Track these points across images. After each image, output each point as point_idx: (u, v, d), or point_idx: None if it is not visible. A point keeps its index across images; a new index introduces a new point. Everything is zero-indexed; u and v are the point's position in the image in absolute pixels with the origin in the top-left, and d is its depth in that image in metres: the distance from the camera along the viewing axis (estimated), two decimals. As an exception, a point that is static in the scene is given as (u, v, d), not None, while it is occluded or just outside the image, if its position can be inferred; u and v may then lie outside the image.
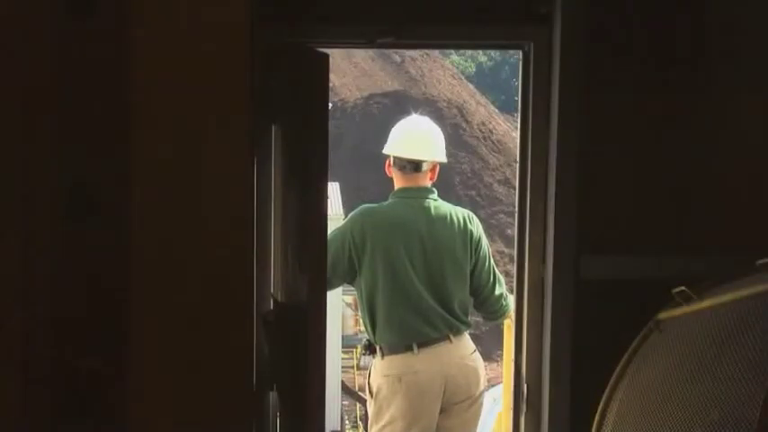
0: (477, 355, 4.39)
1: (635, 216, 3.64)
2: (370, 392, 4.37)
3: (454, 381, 4.26)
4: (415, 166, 4.33)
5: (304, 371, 3.18)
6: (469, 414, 4.36)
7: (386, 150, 4.41)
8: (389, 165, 4.41)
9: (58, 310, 2.16)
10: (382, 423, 4.28)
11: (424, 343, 4.20)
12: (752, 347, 2.74)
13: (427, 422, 4.24)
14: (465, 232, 4.29)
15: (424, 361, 4.20)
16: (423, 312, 4.20)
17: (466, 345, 4.32)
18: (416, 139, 4.37)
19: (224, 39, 2.21)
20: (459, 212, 4.35)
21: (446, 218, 4.28)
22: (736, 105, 3.62)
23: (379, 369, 4.28)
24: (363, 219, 4.28)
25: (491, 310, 4.45)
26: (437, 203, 4.32)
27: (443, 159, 4.43)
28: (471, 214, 4.42)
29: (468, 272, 4.32)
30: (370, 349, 4.36)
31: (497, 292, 4.41)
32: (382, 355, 4.25)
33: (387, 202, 4.38)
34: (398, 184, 4.38)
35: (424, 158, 4.34)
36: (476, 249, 4.33)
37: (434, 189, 4.37)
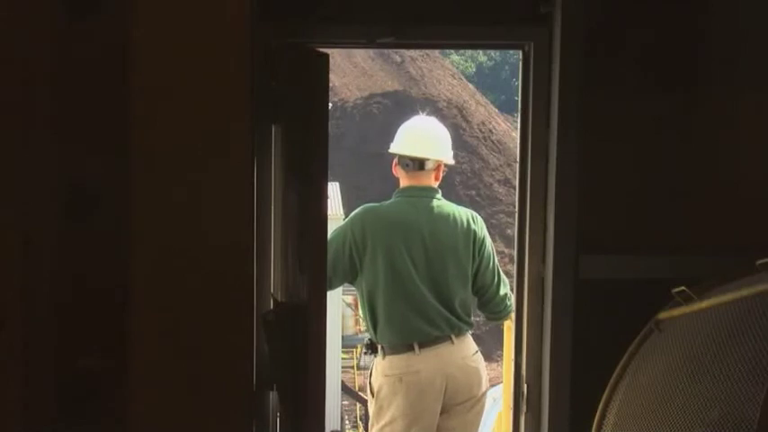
0: (480, 356, 4.39)
1: (635, 216, 3.64)
2: (372, 392, 4.37)
3: (455, 381, 4.26)
4: (418, 164, 4.33)
5: (304, 371, 3.17)
6: (471, 415, 4.36)
7: (391, 149, 4.42)
8: (396, 164, 4.42)
9: (57, 310, 2.16)
10: (383, 423, 4.28)
11: (426, 343, 4.20)
12: (752, 347, 2.74)
13: (428, 422, 4.24)
14: (468, 232, 4.29)
15: (426, 361, 4.20)
16: (424, 311, 4.20)
17: (468, 345, 4.32)
18: (421, 138, 4.37)
19: (224, 39, 2.21)
20: (462, 212, 4.35)
21: (449, 217, 4.28)
22: (736, 105, 3.62)
23: (380, 369, 4.28)
24: (364, 218, 4.28)
25: (495, 310, 4.45)
26: (440, 203, 4.32)
27: (449, 160, 4.43)
28: (475, 214, 4.42)
29: (471, 272, 4.31)
30: (371, 348, 4.36)
31: (502, 291, 4.41)
32: (384, 355, 4.25)
33: (389, 201, 4.39)
34: (403, 183, 4.39)
35: (428, 156, 4.34)
36: (479, 249, 4.33)
37: (438, 189, 4.38)
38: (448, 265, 4.24)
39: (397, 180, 4.45)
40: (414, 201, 4.30)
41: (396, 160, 4.41)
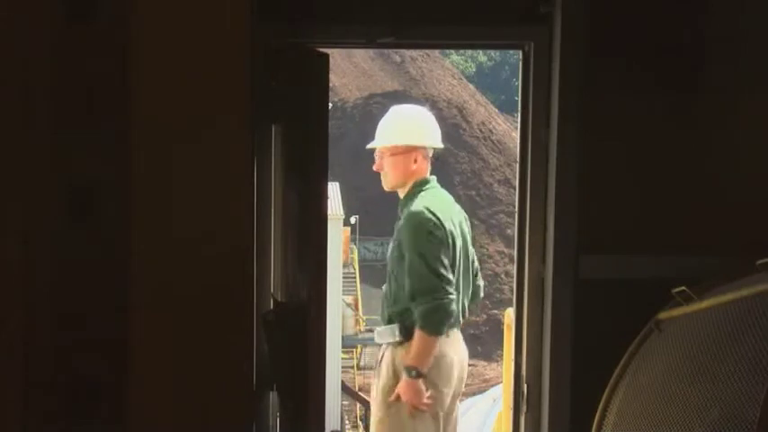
0: None
1: (635, 216, 3.64)
2: (394, 372, 4.04)
3: (463, 370, 4.17)
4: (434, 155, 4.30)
5: (304, 371, 3.18)
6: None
7: (426, 143, 4.14)
8: (423, 157, 4.10)
9: (57, 311, 2.16)
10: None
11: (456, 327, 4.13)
12: (752, 347, 2.74)
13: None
14: (466, 218, 4.31)
15: (458, 344, 4.11)
16: (464, 298, 4.16)
17: None
18: (436, 128, 4.30)
19: (224, 39, 2.21)
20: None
21: (458, 206, 4.29)
22: (735, 105, 3.62)
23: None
24: (437, 217, 4.01)
25: (477, 292, 4.32)
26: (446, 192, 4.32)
27: None
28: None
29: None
30: (406, 333, 4.04)
31: (479, 275, 4.38)
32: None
33: (430, 195, 4.10)
34: (424, 175, 4.13)
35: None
36: (470, 236, 4.35)
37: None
38: (469, 249, 4.23)
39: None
40: (443, 192, 4.20)
41: (418, 154, 4.09)
